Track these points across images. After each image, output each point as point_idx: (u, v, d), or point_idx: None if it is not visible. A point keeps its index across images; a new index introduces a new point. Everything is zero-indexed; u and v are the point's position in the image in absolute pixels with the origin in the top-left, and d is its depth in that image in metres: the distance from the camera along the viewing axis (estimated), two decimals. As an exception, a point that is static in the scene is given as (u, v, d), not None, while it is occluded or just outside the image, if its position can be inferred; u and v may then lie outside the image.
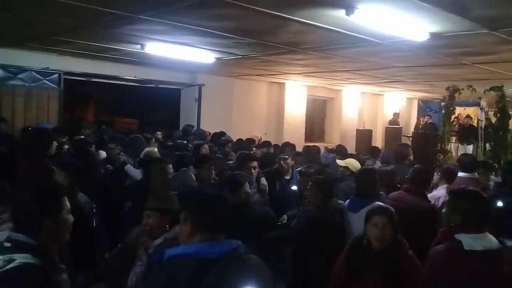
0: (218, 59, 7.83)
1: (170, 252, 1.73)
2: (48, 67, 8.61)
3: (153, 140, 6.94)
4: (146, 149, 5.74)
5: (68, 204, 1.94)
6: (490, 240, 2.48)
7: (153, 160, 4.59)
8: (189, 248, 1.73)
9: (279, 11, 4.42)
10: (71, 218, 1.94)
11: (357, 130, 13.95)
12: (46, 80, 8.72)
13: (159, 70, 10.02)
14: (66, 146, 6.19)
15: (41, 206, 1.83)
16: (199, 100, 10.95)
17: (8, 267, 1.66)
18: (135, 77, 9.97)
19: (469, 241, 2.43)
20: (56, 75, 8.80)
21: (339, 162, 5.51)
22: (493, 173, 5.97)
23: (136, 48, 7.12)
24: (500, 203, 4.12)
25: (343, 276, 2.89)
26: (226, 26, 5.25)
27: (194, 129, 9.40)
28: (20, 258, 1.69)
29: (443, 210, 2.72)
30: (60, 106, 8.88)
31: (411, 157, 6.60)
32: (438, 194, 4.47)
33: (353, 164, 5.28)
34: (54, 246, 1.88)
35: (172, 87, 11.30)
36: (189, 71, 10.56)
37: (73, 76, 9.16)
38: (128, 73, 9.79)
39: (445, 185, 4.61)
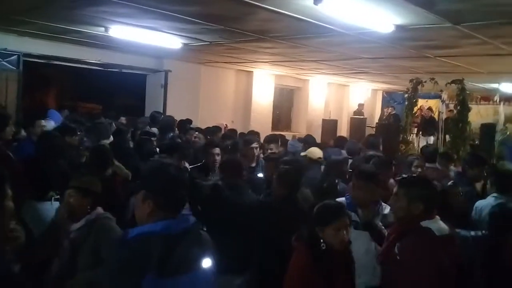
0: (185, 44, 7.70)
1: (136, 231, 1.79)
2: (6, 48, 8.22)
3: (114, 125, 6.75)
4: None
5: (9, 191, 1.90)
6: (443, 225, 2.58)
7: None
8: (156, 226, 1.79)
9: (248, -2, 4.38)
10: (12, 205, 1.91)
11: (323, 120, 14.11)
12: (4, 61, 8.32)
13: (124, 55, 9.75)
14: (23, 133, 5.96)
15: None
16: (165, 86, 10.76)
17: None
18: (98, 61, 9.66)
19: (434, 227, 2.53)
20: (15, 56, 8.40)
21: (302, 153, 5.65)
22: (453, 164, 6.17)
23: (99, 31, 6.90)
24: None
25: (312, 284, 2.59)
26: (193, 11, 5.15)
27: (162, 117, 9.23)
28: None
29: (394, 201, 2.70)
30: (20, 89, 8.50)
31: (381, 147, 6.71)
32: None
33: (313, 152, 5.37)
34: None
35: (138, 72, 11.04)
36: (155, 56, 10.35)
37: (33, 58, 8.78)
38: (91, 56, 9.47)
39: None
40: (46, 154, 4.15)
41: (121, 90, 12.64)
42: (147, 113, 10.21)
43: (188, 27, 6.17)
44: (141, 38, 7.05)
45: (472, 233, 3.25)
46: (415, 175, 3.69)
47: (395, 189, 2.75)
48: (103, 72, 10.58)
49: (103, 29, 6.71)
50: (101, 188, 2.85)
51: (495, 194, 3.94)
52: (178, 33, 6.79)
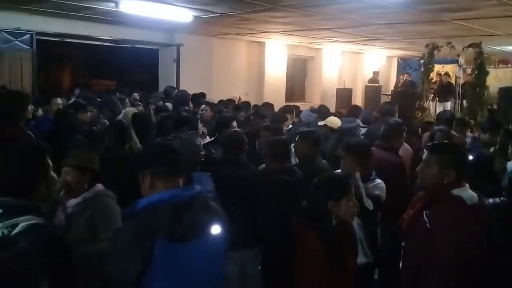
0: (196, 17, 7.63)
1: (145, 201, 1.86)
2: (19, 28, 8.27)
3: (127, 100, 6.80)
4: (125, 110, 5.63)
5: (50, 163, 1.96)
6: (472, 193, 2.53)
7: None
8: (164, 195, 1.87)
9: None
10: (54, 175, 1.99)
11: (338, 89, 13.98)
12: (18, 41, 8.38)
13: (135, 30, 9.71)
14: (40, 112, 6.05)
15: (33, 167, 1.86)
16: (177, 60, 10.72)
17: (16, 231, 1.60)
18: (110, 37, 9.67)
19: (465, 195, 2.47)
20: (28, 35, 8.46)
21: (320, 122, 5.63)
22: (469, 130, 6.09)
23: (110, 6, 6.88)
24: (470, 157, 4.22)
25: (322, 263, 2.50)
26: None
27: (175, 91, 9.25)
28: (24, 221, 1.64)
29: (423, 168, 2.61)
30: (34, 68, 8.59)
31: (396, 115, 6.64)
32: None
33: (332, 121, 5.40)
34: (44, 206, 1.91)
35: (150, 47, 11.02)
36: (166, 31, 10.29)
37: (46, 36, 8.84)
38: (103, 33, 9.48)
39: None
40: (63, 130, 4.26)
41: (134, 66, 12.68)
42: (161, 88, 10.25)
43: (198, -2, 6.11)
44: (152, 12, 7.01)
45: (491, 200, 3.22)
46: (446, 141, 3.61)
47: (424, 156, 2.64)
48: (116, 48, 10.61)
49: (113, 4, 6.69)
50: (99, 164, 2.80)
51: (516, 161, 3.88)
52: (188, 6, 6.73)
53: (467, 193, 2.50)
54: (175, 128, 4.76)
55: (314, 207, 2.60)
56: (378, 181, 3.33)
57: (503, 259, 2.82)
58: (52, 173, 1.96)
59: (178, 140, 3.67)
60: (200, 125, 5.24)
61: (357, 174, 3.10)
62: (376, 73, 14.93)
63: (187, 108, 6.97)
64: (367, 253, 3.20)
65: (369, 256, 3.22)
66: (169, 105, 7.34)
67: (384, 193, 3.29)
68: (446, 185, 2.49)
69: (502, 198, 3.11)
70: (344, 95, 13.67)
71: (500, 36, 8.69)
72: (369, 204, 3.06)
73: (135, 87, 9.65)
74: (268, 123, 5.07)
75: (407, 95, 9.88)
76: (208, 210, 1.97)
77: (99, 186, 2.75)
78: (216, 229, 1.95)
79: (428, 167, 2.57)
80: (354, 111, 7.08)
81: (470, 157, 4.24)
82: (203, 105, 6.88)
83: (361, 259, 3.00)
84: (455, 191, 2.48)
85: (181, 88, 9.88)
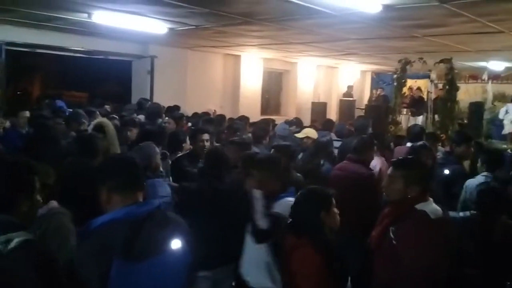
0: (171, 29, 7.57)
1: (99, 220, 1.80)
2: (-13, 37, 8.05)
3: (98, 113, 6.63)
4: (96, 120, 5.47)
5: (38, 184, 1.89)
6: (436, 207, 2.56)
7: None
8: (118, 213, 1.81)
9: (233, -21, 4.28)
10: (40, 198, 1.93)
11: (313, 103, 14.07)
12: (-14, 51, 8.16)
13: (108, 41, 9.57)
14: (7, 123, 5.85)
15: (19, 185, 1.79)
16: (151, 72, 10.61)
17: (10, 247, 1.59)
18: (82, 48, 9.49)
19: (429, 209, 2.50)
20: (-3, 45, 8.25)
21: (298, 135, 5.68)
22: (440, 144, 6.18)
23: (82, 17, 6.75)
24: (446, 171, 4.27)
25: (324, 275, 2.45)
26: (177, -6, 5.04)
27: (149, 103, 9.11)
28: (17, 237, 1.62)
29: (389, 184, 2.63)
30: (3, 79, 8.36)
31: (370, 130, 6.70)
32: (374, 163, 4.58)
33: (311, 132, 5.49)
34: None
35: (123, 59, 10.87)
36: (140, 42, 10.17)
37: (16, 47, 8.63)
38: (75, 44, 9.30)
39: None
40: (41, 141, 4.21)
41: (106, 78, 12.50)
42: (134, 100, 10.10)
43: (173, 11, 6.05)
44: (125, 23, 6.91)
45: (461, 214, 3.25)
46: (409, 156, 3.64)
47: (390, 171, 2.68)
48: (88, 60, 10.42)
49: (86, 15, 6.56)
50: (54, 179, 2.65)
51: (485, 173, 3.95)
52: (163, 18, 6.66)
53: (431, 207, 2.53)
54: (140, 141, 4.66)
55: (307, 220, 2.55)
56: (289, 199, 2.92)
57: (472, 270, 2.85)
58: (38, 196, 1.89)
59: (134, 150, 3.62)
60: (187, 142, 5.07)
61: (257, 193, 2.82)
62: (350, 87, 15.12)
63: (161, 120, 6.87)
64: (274, 277, 2.78)
65: (276, 281, 2.77)
66: (142, 117, 7.20)
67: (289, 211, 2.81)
68: (410, 200, 2.52)
69: (471, 211, 3.15)
70: (319, 108, 13.77)
71: (470, 52, 8.91)
72: (263, 224, 2.74)
73: (107, 99, 9.47)
74: (236, 138, 4.99)
75: (381, 109, 10.03)
76: (167, 225, 1.89)
77: (53, 203, 2.59)
78: (176, 244, 1.88)
79: (393, 183, 2.60)
80: (328, 124, 7.12)
81: (446, 171, 4.32)
82: (166, 118, 6.78)
83: (266, 284, 2.77)
84: (419, 206, 2.50)
85: (155, 100, 9.74)
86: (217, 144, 4.98)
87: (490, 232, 2.95)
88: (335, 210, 2.58)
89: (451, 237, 2.56)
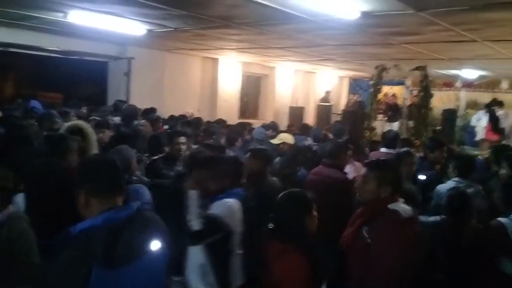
0: (149, 31, 7.50)
1: (78, 227, 1.75)
2: (-42, 35, 7.82)
3: (72, 113, 6.51)
4: (72, 123, 5.35)
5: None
6: (406, 207, 2.63)
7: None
8: (97, 221, 1.76)
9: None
10: None
11: (290, 108, 14.16)
12: (-43, 49, 7.92)
13: (84, 41, 9.42)
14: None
15: None
16: (128, 74, 10.49)
17: None
18: (57, 48, 9.32)
19: (399, 209, 2.57)
20: (-32, 44, 8.02)
21: (274, 140, 5.70)
22: (415, 150, 6.28)
23: (58, 16, 6.63)
24: (422, 176, 4.35)
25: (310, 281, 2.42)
26: (156, -5, 5.01)
27: (125, 105, 8.99)
28: None
29: (362, 184, 2.69)
30: (-27, 78, 8.13)
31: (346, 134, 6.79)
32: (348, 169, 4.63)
33: (288, 138, 5.50)
34: None
35: (99, 60, 10.71)
36: (117, 43, 10.05)
37: (-12, 45, 8.41)
38: (50, 43, 9.13)
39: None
40: (17, 143, 4.09)
41: (82, 79, 12.22)
42: (110, 102, 9.96)
43: (152, 12, 6.00)
44: (102, 24, 6.80)
45: (432, 218, 3.31)
46: (382, 158, 3.72)
47: (363, 172, 2.74)
48: (63, 60, 10.21)
49: (61, 14, 6.44)
50: (13, 183, 2.52)
51: (456, 179, 4.04)
52: (141, 19, 6.60)
53: (402, 207, 2.60)
54: (115, 144, 4.60)
55: (291, 224, 2.47)
56: (227, 200, 2.82)
57: (441, 275, 2.90)
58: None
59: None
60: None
61: (192, 193, 2.72)
62: (328, 93, 15.27)
63: (137, 122, 6.79)
64: (208, 280, 2.69)
65: (210, 284, 2.68)
66: (117, 119, 7.11)
67: (227, 212, 2.76)
68: (382, 200, 2.60)
69: (442, 216, 3.21)
70: (297, 113, 13.87)
71: (444, 60, 9.12)
72: (196, 225, 2.64)
73: (82, 100, 9.28)
74: (211, 141, 4.99)
75: (357, 115, 10.15)
76: (147, 227, 1.87)
77: (12, 208, 2.49)
78: (156, 245, 1.87)
79: (367, 183, 2.67)
80: (305, 129, 7.17)
81: (421, 177, 4.41)
82: (143, 121, 6.72)
83: (198, 287, 2.69)
84: (391, 206, 2.58)
85: (131, 102, 9.62)
86: (194, 147, 4.94)
87: (460, 237, 3.01)
88: (315, 213, 2.55)
89: (422, 237, 2.62)
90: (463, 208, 3.10)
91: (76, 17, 6.43)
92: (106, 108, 8.60)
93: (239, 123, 6.77)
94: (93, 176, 1.87)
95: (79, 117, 6.70)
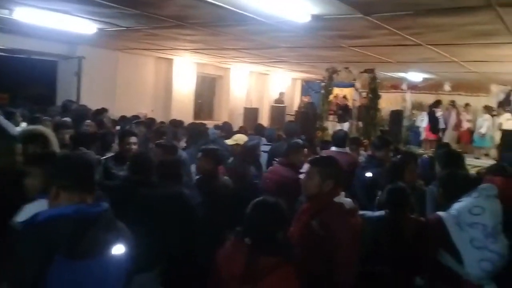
0: (100, 30, 7.34)
1: (47, 213, 1.79)
2: None
3: (17, 114, 6.27)
4: (29, 129, 5.16)
5: None
6: (348, 199, 2.81)
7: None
8: (67, 209, 1.80)
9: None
10: None
11: (245, 108, 14.26)
12: None
13: (31, 40, 9.09)
14: None
15: None
16: (78, 74, 10.22)
17: None
18: (3, 46, 8.94)
19: (344, 201, 2.75)
20: None
21: (228, 141, 5.75)
22: (363, 149, 6.54)
23: (3, 13, 6.36)
24: (369, 174, 4.54)
25: None
26: (107, -6, 4.93)
27: (75, 105, 8.74)
28: None
29: (308, 179, 2.83)
30: None
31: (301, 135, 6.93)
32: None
33: (241, 138, 5.56)
34: None
35: (48, 59, 10.36)
36: (67, 42, 9.76)
37: None
38: (-5, 41, 8.76)
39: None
40: None
41: (30, 78, 11.75)
42: (59, 102, 9.65)
43: (103, 11, 5.89)
44: (50, 22, 6.59)
45: (377, 213, 3.45)
46: (324, 155, 3.89)
47: (307, 169, 2.88)
48: (10, 59, 9.79)
49: (7, 11, 6.19)
50: None
51: (399, 175, 4.21)
52: (91, 17, 6.46)
53: (344, 199, 2.79)
54: (74, 145, 4.52)
55: (274, 237, 2.30)
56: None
57: (384, 268, 3.05)
58: None
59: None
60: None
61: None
62: (281, 94, 15.51)
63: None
64: None
65: None
66: (67, 119, 6.91)
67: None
68: (327, 194, 2.75)
69: (386, 210, 3.36)
70: (251, 114, 13.98)
71: (391, 63, 9.49)
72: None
73: (30, 100, 8.95)
74: (162, 141, 4.98)
75: (309, 116, 10.39)
76: (113, 229, 1.92)
77: None
78: (119, 249, 1.91)
79: (311, 179, 2.81)
80: (259, 129, 7.28)
81: (368, 174, 4.58)
82: (88, 121, 6.59)
83: None
84: (335, 199, 2.75)
85: (82, 103, 9.38)
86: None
87: (401, 230, 3.16)
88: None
89: (363, 227, 2.81)
90: (401, 202, 3.26)
91: (23, 14, 6.20)
92: (55, 109, 8.33)
93: (199, 123, 6.79)
94: (66, 172, 1.92)
95: (23, 117, 6.48)
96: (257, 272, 2.23)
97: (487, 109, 12.76)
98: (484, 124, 12.41)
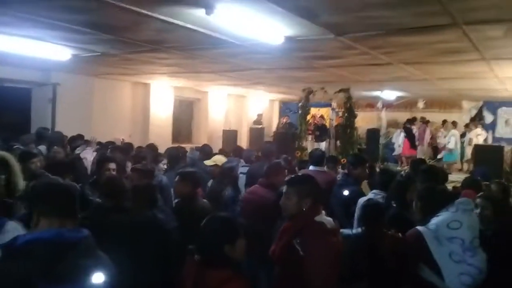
0: (74, 55, 7.30)
1: (26, 237, 1.80)
2: None
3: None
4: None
5: None
6: (328, 219, 2.76)
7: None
8: (45, 234, 1.81)
9: (137, 6, 4.28)
10: None
11: (224, 131, 14.28)
12: None
13: (4, 67, 8.97)
14: None
15: None
16: (53, 100, 10.09)
17: None
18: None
19: (325, 220, 2.70)
20: None
21: (207, 162, 5.72)
22: (341, 167, 6.58)
23: (-26, 40, 6.28)
24: (346, 192, 4.56)
25: None
26: (80, 19, 4.91)
27: (49, 133, 8.59)
28: None
29: (286, 200, 2.79)
30: None
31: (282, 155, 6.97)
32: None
33: (221, 160, 5.55)
34: None
35: (21, 86, 10.21)
36: (41, 69, 9.66)
37: None
38: (-35, 69, 8.60)
39: None
40: None
41: (3, 106, 11.56)
42: (33, 130, 9.47)
43: (76, 37, 5.87)
44: (23, 49, 6.53)
45: (354, 231, 3.46)
46: (300, 174, 3.89)
47: (284, 189, 2.84)
48: (-19, 87, 9.62)
49: (-23, 38, 6.11)
50: None
51: (374, 191, 4.25)
52: (65, 43, 6.42)
53: (325, 219, 2.74)
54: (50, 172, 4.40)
55: (222, 251, 2.26)
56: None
57: (362, 285, 3.05)
58: None
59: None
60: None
61: None
62: (260, 115, 15.62)
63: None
64: None
65: None
66: (42, 148, 6.78)
67: None
68: (307, 213, 2.71)
69: (362, 228, 3.37)
70: (230, 136, 14.00)
71: (365, 82, 9.67)
72: None
73: (3, 129, 8.76)
74: (138, 165, 4.92)
75: (287, 136, 10.46)
76: (92, 256, 1.90)
77: None
78: (98, 278, 1.87)
79: (288, 199, 2.78)
80: (237, 151, 7.29)
81: (345, 192, 4.60)
82: (55, 147, 6.48)
83: None
84: (316, 218, 2.70)
85: (57, 129, 9.24)
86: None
87: (377, 246, 3.16)
88: (242, 241, 2.34)
89: (343, 246, 2.77)
90: (376, 218, 3.27)
91: (-6, 41, 6.13)
92: (29, 137, 8.15)
93: (178, 147, 6.76)
94: (44, 199, 1.94)
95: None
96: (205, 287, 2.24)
97: (454, 124, 13.09)
98: (452, 139, 12.68)
